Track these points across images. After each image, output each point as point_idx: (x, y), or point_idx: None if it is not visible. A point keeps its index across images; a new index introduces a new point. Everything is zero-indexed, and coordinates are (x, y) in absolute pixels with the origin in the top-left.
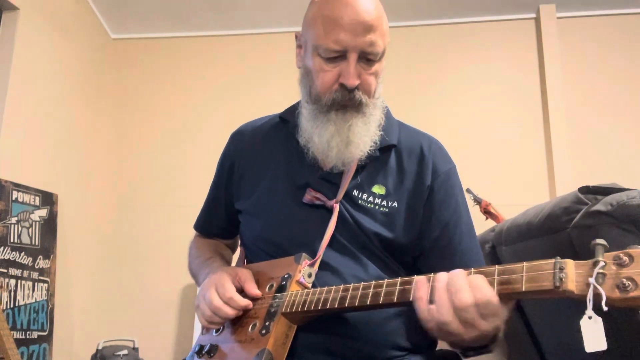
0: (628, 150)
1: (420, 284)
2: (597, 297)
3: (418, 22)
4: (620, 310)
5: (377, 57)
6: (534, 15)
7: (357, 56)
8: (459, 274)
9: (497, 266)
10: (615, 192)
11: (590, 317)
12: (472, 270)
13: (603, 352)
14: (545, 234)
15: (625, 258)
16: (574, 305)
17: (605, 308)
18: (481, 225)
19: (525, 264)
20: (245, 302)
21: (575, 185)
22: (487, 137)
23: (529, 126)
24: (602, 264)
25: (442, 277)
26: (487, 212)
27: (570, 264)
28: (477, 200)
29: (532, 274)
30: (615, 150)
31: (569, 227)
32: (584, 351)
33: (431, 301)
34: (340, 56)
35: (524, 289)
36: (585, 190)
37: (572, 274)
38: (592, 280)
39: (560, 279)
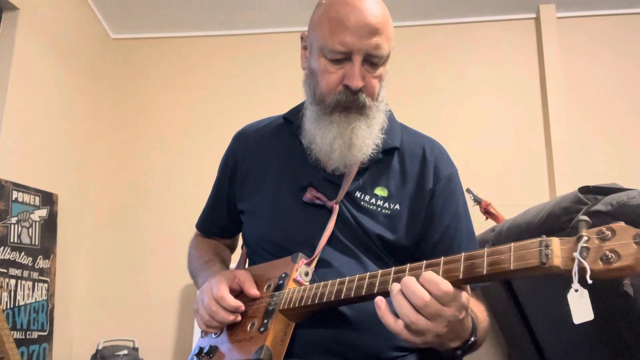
0: (628, 150)
1: (378, 303)
2: (581, 270)
3: (418, 22)
4: (605, 282)
5: (382, 61)
6: (534, 15)
7: (362, 58)
8: (408, 278)
9: (485, 249)
10: (615, 192)
11: (576, 290)
12: (463, 255)
13: (590, 324)
14: (545, 234)
15: (608, 232)
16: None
17: (589, 280)
18: (481, 225)
19: (512, 244)
20: (236, 302)
21: (575, 185)
22: (487, 137)
23: (529, 126)
24: (585, 238)
25: (394, 286)
26: (487, 212)
27: (555, 241)
28: (477, 200)
29: (519, 252)
30: (615, 150)
31: (569, 227)
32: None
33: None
34: (345, 58)
35: (512, 268)
36: (585, 190)
37: (557, 250)
38: (576, 254)
39: (547, 256)
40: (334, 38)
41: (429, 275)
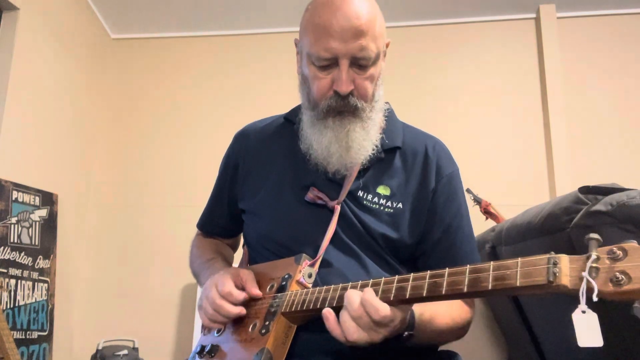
0: (628, 150)
1: (326, 314)
2: (589, 291)
3: (418, 22)
4: (616, 304)
5: (370, 62)
6: (534, 15)
7: (349, 62)
8: (352, 293)
9: (492, 262)
10: (615, 192)
11: (583, 312)
12: (468, 267)
13: (600, 346)
14: (545, 234)
15: (619, 252)
16: (573, 301)
17: (595, 299)
18: (481, 225)
19: (519, 259)
20: (243, 295)
21: (575, 185)
22: (487, 137)
23: (529, 126)
24: (595, 257)
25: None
26: (487, 212)
27: (564, 259)
28: (477, 200)
29: (526, 269)
30: (615, 150)
31: (569, 227)
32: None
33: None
34: (332, 64)
35: (518, 285)
36: (585, 190)
37: (566, 268)
38: (585, 274)
39: (554, 274)
40: (319, 45)
41: (367, 295)
